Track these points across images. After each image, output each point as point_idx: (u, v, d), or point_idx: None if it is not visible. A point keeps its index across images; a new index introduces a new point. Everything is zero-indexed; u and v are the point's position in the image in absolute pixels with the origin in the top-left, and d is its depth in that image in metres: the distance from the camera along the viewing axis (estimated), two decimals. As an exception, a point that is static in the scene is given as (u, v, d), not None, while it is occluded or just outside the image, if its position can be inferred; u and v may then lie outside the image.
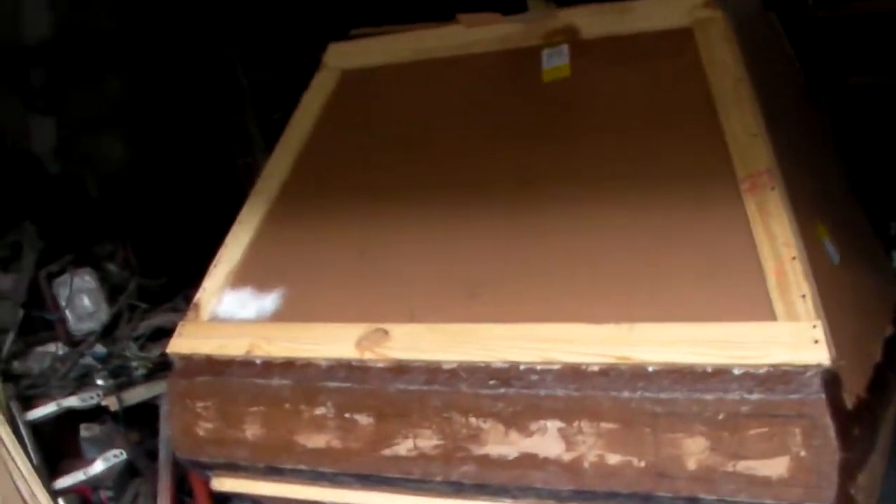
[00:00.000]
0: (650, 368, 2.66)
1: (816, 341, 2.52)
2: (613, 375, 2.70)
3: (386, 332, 3.03)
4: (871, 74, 8.46)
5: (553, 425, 2.75)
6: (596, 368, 2.72)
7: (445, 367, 2.91)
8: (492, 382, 2.83)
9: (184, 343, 3.40)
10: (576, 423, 2.72)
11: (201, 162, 6.59)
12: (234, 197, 3.83)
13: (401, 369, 2.97)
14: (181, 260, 4.78)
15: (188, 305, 3.53)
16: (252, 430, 3.21)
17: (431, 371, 2.92)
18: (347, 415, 3.04)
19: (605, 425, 2.69)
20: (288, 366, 3.15)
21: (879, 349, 3.18)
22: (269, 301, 3.33)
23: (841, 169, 3.92)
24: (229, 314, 3.38)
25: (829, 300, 2.66)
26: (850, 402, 2.61)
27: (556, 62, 3.28)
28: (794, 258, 2.64)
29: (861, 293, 3.24)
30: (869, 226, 3.97)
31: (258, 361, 3.21)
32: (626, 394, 2.67)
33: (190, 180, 6.45)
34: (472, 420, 2.85)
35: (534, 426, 2.77)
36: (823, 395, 2.48)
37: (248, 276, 3.44)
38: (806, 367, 2.51)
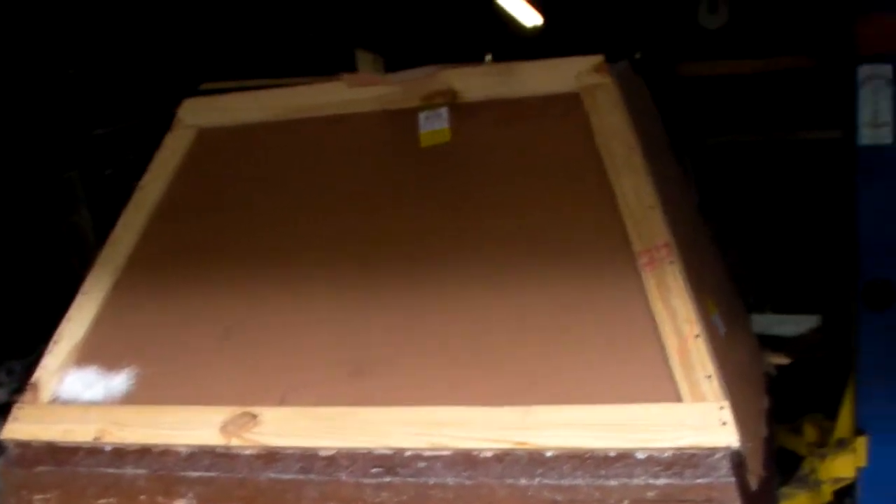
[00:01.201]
0: (549, 454, 2.51)
1: (724, 423, 2.44)
2: (509, 461, 2.53)
3: (254, 416, 2.79)
4: (724, 134, 8.73)
5: (444, 516, 2.56)
6: (490, 454, 2.55)
7: (322, 453, 2.68)
8: (375, 470, 2.62)
9: (21, 428, 3.05)
10: (467, 514, 2.54)
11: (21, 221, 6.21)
12: (58, 260, 3.55)
13: (272, 457, 2.73)
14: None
15: (10, 378, 3.21)
16: (102, 526, 2.91)
17: (307, 458, 2.69)
18: (212, 507, 2.78)
19: (500, 515, 2.52)
20: (143, 453, 2.85)
21: (764, 423, 3.14)
22: (119, 381, 3.04)
23: (708, 232, 3.90)
24: (73, 396, 3.06)
25: (726, 377, 2.58)
26: (753, 482, 2.54)
27: (434, 125, 3.12)
28: (697, 336, 2.55)
29: (743, 365, 3.20)
30: (734, 288, 3.97)
31: (108, 448, 2.90)
32: (523, 481, 2.51)
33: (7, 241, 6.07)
34: (353, 512, 2.64)
35: (422, 517, 2.58)
36: (733, 479, 2.39)
37: (95, 353, 3.13)
38: (714, 450, 2.42)
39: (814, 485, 4.70)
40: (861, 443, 4.77)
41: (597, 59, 3.06)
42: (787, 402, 4.93)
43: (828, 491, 4.77)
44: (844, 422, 4.94)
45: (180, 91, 3.67)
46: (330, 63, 9.92)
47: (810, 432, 5.18)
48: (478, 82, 3.18)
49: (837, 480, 4.82)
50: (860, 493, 4.82)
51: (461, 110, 3.16)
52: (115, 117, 7.04)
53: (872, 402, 4.80)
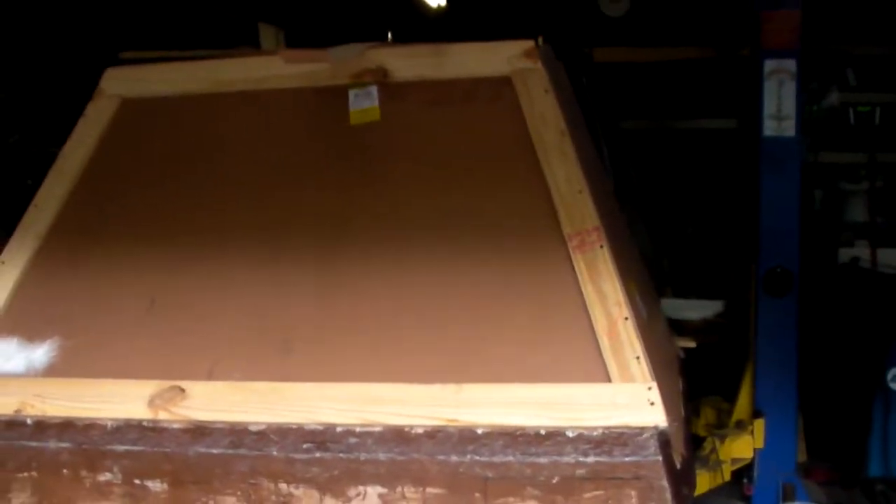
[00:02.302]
0: (480, 431, 2.55)
1: (652, 403, 2.51)
2: (440, 438, 2.57)
3: (182, 390, 2.78)
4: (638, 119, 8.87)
5: (374, 491, 2.59)
6: (421, 431, 2.59)
7: (253, 428, 2.69)
8: (306, 446, 2.64)
9: (-65, 401, 3.00)
10: (399, 489, 2.58)
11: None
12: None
13: (201, 431, 2.72)
14: None
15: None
16: (21, 499, 2.85)
17: (237, 433, 2.69)
18: (137, 481, 2.74)
19: (431, 490, 2.56)
20: (66, 426, 2.81)
21: (682, 404, 3.23)
22: (41, 353, 2.99)
23: (623, 217, 3.98)
24: (-7, 367, 3.01)
25: (650, 359, 2.65)
26: (677, 461, 2.61)
27: (364, 104, 3.12)
28: (626, 318, 2.62)
29: (661, 348, 3.28)
30: (646, 272, 4.06)
31: (30, 422, 2.85)
32: (454, 457, 2.55)
33: None
34: (283, 486, 2.64)
35: (352, 492, 2.60)
36: (660, 457, 2.46)
37: (15, 324, 3.07)
38: (643, 429, 2.50)
39: (714, 465, 4.82)
40: (759, 425, 4.92)
41: (527, 44, 3.09)
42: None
43: (727, 471, 4.90)
44: (743, 404, 5.08)
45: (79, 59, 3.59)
46: (232, 35, 9.82)
47: (709, 414, 5.31)
48: (409, 62, 3.19)
49: (736, 461, 4.95)
50: (757, 472, 4.97)
51: (391, 89, 3.16)
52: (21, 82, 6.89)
53: (770, 385, 4.96)
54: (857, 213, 8.56)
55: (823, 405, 5.61)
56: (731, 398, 5.17)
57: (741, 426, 5.01)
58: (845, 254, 7.96)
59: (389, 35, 12.40)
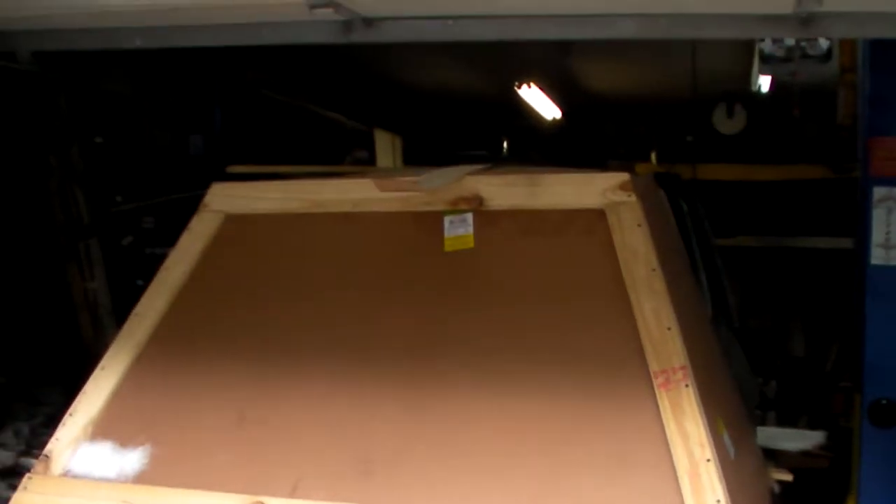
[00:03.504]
0: (556, 566, 2.53)
1: (731, 549, 2.46)
2: (517, 572, 2.56)
3: (265, 506, 2.82)
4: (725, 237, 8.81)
5: None
6: (499, 562, 2.58)
7: (332, 549, 2.71)
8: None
9: (30, 499, 3.08)
10: None
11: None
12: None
13: (282, 548, 2.76)
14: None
15: (17, 440, 3.23)
16: None
17: (316, 551, 2.72)
18: None
19: None
20: (152, 534, 2.89)
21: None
22: (133, 459, 3.07)
23: (719, 345, 3.94)
24: (86, 471, 3.09)
25: (734, 500, 2.61)
26: None
27: (459, 231, 3.17)
28: (708, 460, 2.58)
29: (750, 485, 3.22)
30: (740, 400, 3.99)
31: (117, 527, 2.93)
32: (529, 592, 2.53)
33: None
34: None
35: None
36: None
37: (110, 429, 3.16)
38: (719, 575, 2.44)
39: None
40: (861, 561, 4.77)
41: (622, 177, 3.11)
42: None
43: None
44: (846, 538, 4.94)
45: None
46: (351, 138, 10.06)
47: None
48: (504, 191, 3.22)
49: None
50: None
51: (485, 217, 3.20)
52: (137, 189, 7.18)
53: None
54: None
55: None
56: (836, 530, 5.02)
57: (844, 562, 4.86)
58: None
59: (505, 144, 12.60)
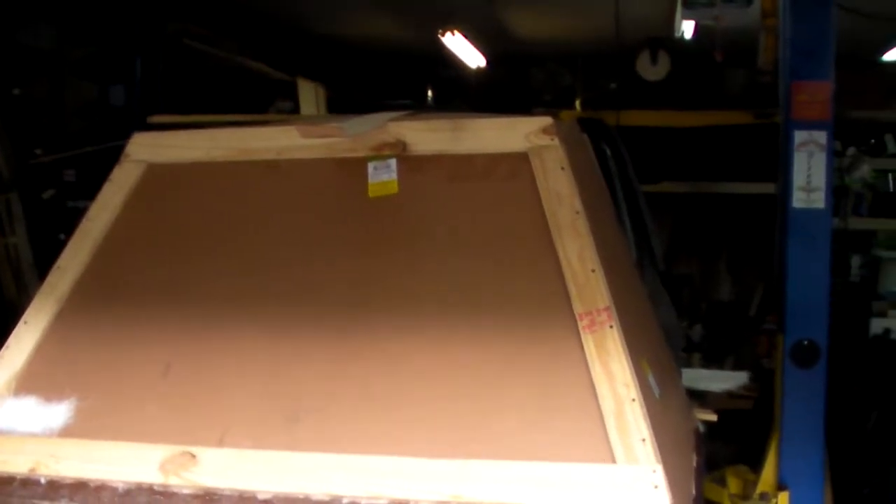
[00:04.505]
0: (483, 508, 2.56)
1: (656, 486, 2.51)
2: (443, 513, 2.58)
3: (193, 456, 2.80)
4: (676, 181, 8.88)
5: (377, 564, 2.60)
6: (425, 505, 2.59)
7: (260, 496, 2.70)
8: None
9: (-47, 456, 3.04)
10: (399, 564, 2.59)
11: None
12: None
13: (210, 497, 2.74)
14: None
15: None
16: (32, 559, 2.90)
17: (245, 500, 2.71)
18: (146, 544, 2.78)
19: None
20: (79, 487, 2.84)
21: (692, 482, 3.21)
22: (58, 413, 3.03)
23: (643, 288, 3.98)
24: (10, 426, 3.04)
25: (659, 440, 2.65)
26: (680, 544, 2.60)
27: (383, 176, 3.16)
28: (633, 400, 2.62)
29: (675, 425, 3.27)
30: (665, 343, 4.05)
31: (43, 481, 2.88)
32: (456, 535, 2.56)
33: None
34: (286, 557, 2.67)
35: (355, 564, 2.62)
36: (662, 540, 2.46)
37: (34, 383, 3.11)
38: (645, 512, 2.48)
39: (736, 537, 4.79)
40: (783, 498, 4.87)
41: (545, 121, 3.11)
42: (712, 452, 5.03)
43: (749, 543, 4.86)
44: (767, 476, 5.04)
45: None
46: (274, 88, 9.95)
47: (734, 484, 5.27)
48: (427, 136, 3.20)
49: (759, 534, 4.91)
50: (779, 547, 4.92)
51: (410, 163, 3.19)
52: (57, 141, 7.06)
53: (795, 458, 4.91)
54: (893, 283, 8.51)
55: (851, 480, 5.56)
56: (758, 468, 5.13)
57: (765, 498, 4.96)
58: (879, 324, 7.91)
59: (430, 92, 12.56)
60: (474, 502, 2.56)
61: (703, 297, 9.38)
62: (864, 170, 8.27)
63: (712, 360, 7.15)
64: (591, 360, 2.69)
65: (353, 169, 3.21)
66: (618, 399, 2.62)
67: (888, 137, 9.24)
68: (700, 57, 8.33)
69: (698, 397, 4.88)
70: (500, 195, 3.08)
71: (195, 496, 2.76)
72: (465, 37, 9.96)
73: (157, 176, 3.44)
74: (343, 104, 9.93)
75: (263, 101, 9.45)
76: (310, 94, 10.43)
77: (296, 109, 9.60)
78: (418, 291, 2.98)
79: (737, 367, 7.01)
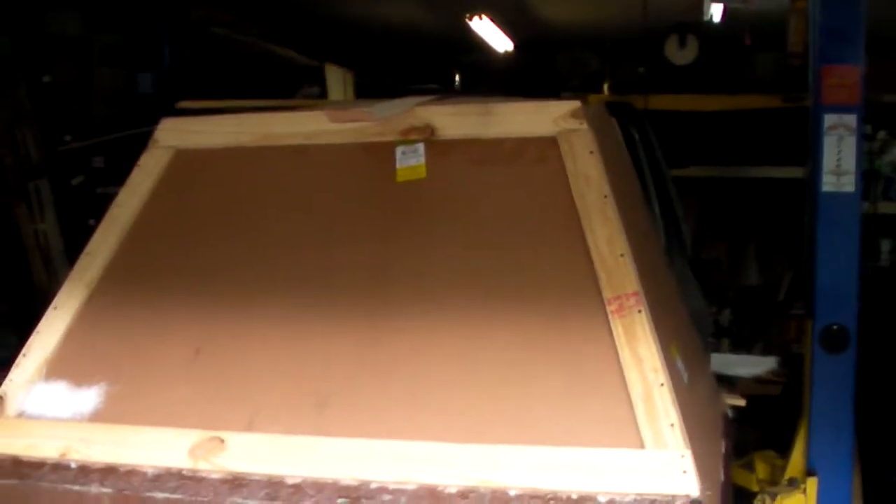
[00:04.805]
0: (512, 492, 2.55)
1: (685, 471, 2.50)
2: (473, 498, 2.58)
3: (222, 441, 2.82)
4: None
5: (406, 548, 2.60)
6: (454, 490, 2.59)
7: (289, 481, 2.71)
8: (340, 500, 2.66)
9: (-15, 440, 3.07)
10: (428, 548, 2.59)
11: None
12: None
13: (239, 482, 2.75)
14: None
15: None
16: (63, 542, 2.92)
17: (273, 485, 2.72)
18: (175, 529, 2.80)
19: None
20: (109, 472, 2.86)
21: (721, 468, 3.20)
22: (88, 398, 3.05)
23: (672, 274, 3.96)
24: (41, 411, 3.07)
25: (687, 425, 2.64)
26: (712, 528, 2.60)
27: (411, 161, 3.15)
28: (661, 384, 2.61)
29: (703, 411, 3.26)
30: (694, 328, 4.03)
31: (74, 465, 2.90)
32: (488, 518, 2.56)
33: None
34: (317, 540, 2.67)
35: (382, 548, 2.62)
36: (692, 526, 2.45)
37: (65, 368, 3.14)
38: (674, 497, 2.48)
39: (764, 523, 4.76)
40: (811, 484, 4.85)
41: (574, 105, 3.10)
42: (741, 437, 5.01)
43: (777, 529, 4.84)
44: (796, 462, 5.02)
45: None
46: (302, 74, 9.95)
47: (762, 469, 5.25)
48: (456, 120, 3.20)
49: (787, 519, 4.89)
50: (808, 533, 4.89)
51: (437, 147, 3.18)
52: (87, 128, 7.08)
53: (824, 443, 4.89)
54: (924, 268, 8.45)
55: (880, 466, 5.52)
56: (786, 454, 5.11)
57: (794, 484, 4.94)
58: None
59: (457, 77, 12.53)
60: (503, 487, 2.56)
61: (732, 283, 9.34)
62: (895, 153, 8.20)
63: (741, 346, 7.12)
64: (619, 344, 2.68)
65: (382, 153, 3.21)
66: (646, 384, 2.61)
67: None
68: (729, 41, 8.29)
69: (727, 382, 4.85)
70: (528, 179, 3.07)
71: (224, 481, 2.77)
72: (493, 21, 9.93)
73: (186, 161, 3.45)
74: (371, 89, 9.93)
75: (291, 86, 9.46)
76: (338, 80, 10.44)
77: (323, 94, 9.61)
78: (445, 275, 2.98)
79: (766, 352, 6.98)
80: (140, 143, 3.59)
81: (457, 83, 12.42)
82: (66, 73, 7.54)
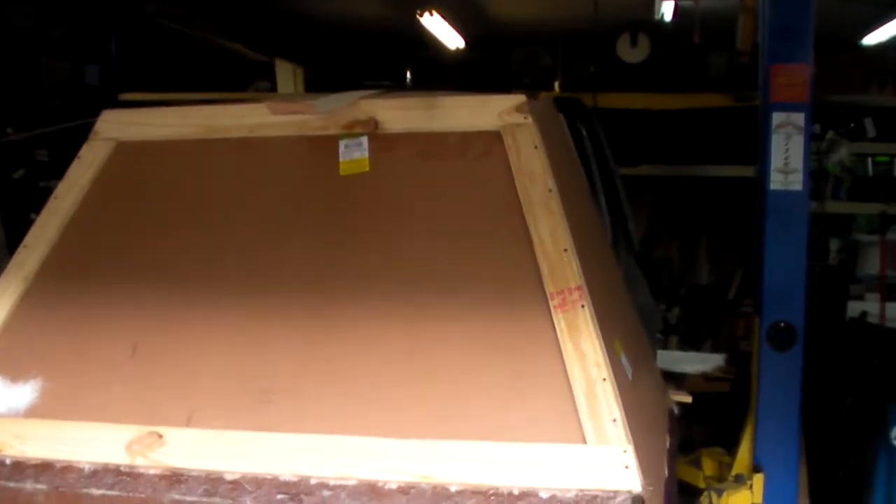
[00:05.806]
0: (453, 488, 2.53)
1: (627, 467, 2.49)
2: (414, 494, 2.55)
3: (160, 436, 2.77)
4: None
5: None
6: (395, 486, 2.56)
7: (228, 477, 2.67)
8: (279, 496, 2.62)
9: (-85, 437, 3.00)
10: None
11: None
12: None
13: (177, 478, 2.70)
14: None
15: None
16: (-4, 540, 2.86)
17: (212, 481, 2.67)
18: (112, 526, 2.75)
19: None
20: (44, 468, 2.80)
21: (665, 464, 3.20)
22: (23, 394, 2.98)
23: (618, 270, 3.96)
24: (-26, 406, 3.02)
25: (630, 420, 2.63)
26: (652, 525, 2.59)
27: (354, 155, 3.12)
28: (604, 380, 2.60)
29: (648, 406, 3.25)
30: (640, 325, 4.03)
31: (8, 462, 2.83)
32: (425, 514, 2.53)
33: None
34: (251, 537, 2.64)
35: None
36: (632, 521, 2.44)
37: None
38: (616, 493, 2.47)
39: (710, 520, 4.78)
40: (758, 480, 4.87)
41: (518, 99, 3.09)
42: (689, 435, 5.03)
43: (724, 526, 4.86)
44: (743, 458, 5.04)
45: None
46: (252, 69, 9.88)
47: (709, 465, 5.27)
48: (400, 115, 3.17)
49: (733, 516, 4.91)
50: (754, 529, 4.92)
51: (382, 141, 3.15)
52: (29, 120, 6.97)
53: (770, 440, 4.91)
54: (871, 266, 8.53)
55: (826, 462, 5.56)
56: (733, 450, 5.13)
57: (740, 480, 4.96)
58: (856, 307, 7.92)
59: (409, 74, 12.49)
60: (444, 482, 2.54)
61: (683, 281, 9.38)
62: (843, 153, 8.27)
63: (690, 343, 7.15)
64: (562, 339, 2.67)
65: (325, 147, 3.17)
66: (589, 379, 2.60)
67: (868, 121, 9.23)
68: (681, 40, 8.30)
69: (675, 379, 4.86)
70: (472, 174, 3.05)
71: (162, 477, 2.72)
72: (444, 18, 9.90)
73: (127, 154, 3.40)
74: (322, 85, 9.87)
75: (242, 81, 9.39)
76: (287, 75, 10.38)
77: (273, 90, 9.55)
78: (390, 271, 2.95)
79: (714, 349, 7.02)
80: (84, 136, 3.53)
81: (408, 79, 12.39)
82: (12, 64, 7.42)
